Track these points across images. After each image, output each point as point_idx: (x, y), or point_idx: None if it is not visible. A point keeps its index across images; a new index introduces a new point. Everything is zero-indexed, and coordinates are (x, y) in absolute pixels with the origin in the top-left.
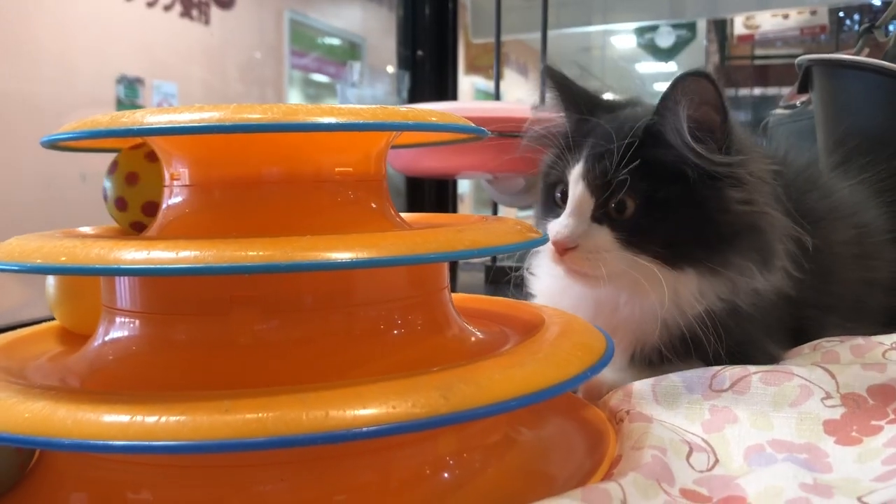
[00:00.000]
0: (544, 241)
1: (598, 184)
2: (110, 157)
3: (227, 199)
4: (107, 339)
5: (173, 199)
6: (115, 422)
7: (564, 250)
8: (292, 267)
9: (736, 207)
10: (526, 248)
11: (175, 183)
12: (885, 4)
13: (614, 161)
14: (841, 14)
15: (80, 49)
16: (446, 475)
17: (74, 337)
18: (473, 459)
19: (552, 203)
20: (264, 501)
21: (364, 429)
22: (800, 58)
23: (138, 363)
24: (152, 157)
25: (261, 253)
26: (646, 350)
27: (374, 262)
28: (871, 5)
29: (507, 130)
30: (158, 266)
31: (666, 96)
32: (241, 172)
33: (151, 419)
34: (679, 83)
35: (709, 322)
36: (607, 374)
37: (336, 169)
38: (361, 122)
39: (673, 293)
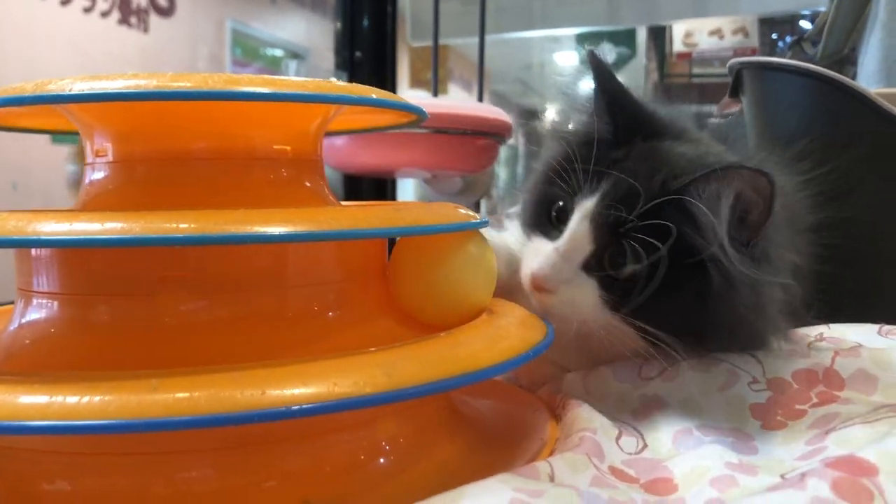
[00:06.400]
0: (485, 223)
1: (606, 234)
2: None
3: (154, 176)
4: (23, 321)
5: (95, 174)
6: (34, 403)
7: (540, 289)
8: (225, 239)
9: (742, 311)
10: (466, 230)
11: (98, 160)
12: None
13: (634, 215)
14: (774, 36)
15: (11, 54)
16: (382, 461)
17: None
18: (411, 446)
19: (545, 218)
20: (190, 488)
21: (304, 406)
22: (731, 61)
23: (58, 347)
24: None
25: (192, 225)
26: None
27: (310, 236)
28: (801, 28)
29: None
30: (82, 237)
31: (708, 179)
32: (170, 147)
33: (73, 399)
34: (731, 174)
35: None
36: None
37: (273, 147)
38: (303, 93)
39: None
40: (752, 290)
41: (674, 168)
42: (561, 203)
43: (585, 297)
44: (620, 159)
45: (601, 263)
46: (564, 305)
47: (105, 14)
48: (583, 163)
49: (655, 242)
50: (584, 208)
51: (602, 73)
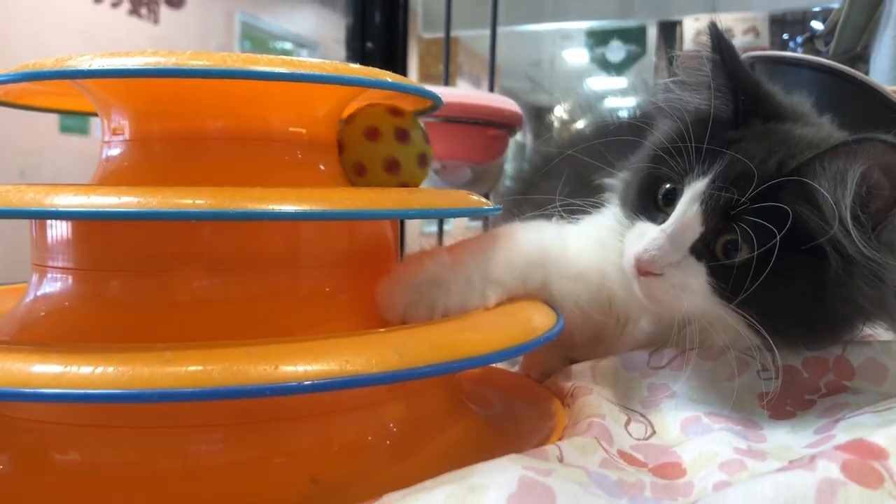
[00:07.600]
0: (498, 209)
1: (717, 217)
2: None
3: (171, 155)
4: (38, 294)
5: (111, 150)
6: (48, 371)
7: (646, 273)
8: (242, 215)
9: (861, 302)
10: (479, 214)
11: (115, 137)
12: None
13: (747, 195)
14: (785, 36)
15: (20, 43)
16: (390, 442)
17: None
18: (419, 428)
19: (650, 201)
20: (200, 462)
21: (317, 382)
22: (743, 55)
23: (72, 320)
24: (393, 111)
25: (209, 200)
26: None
27: (325, 215)
28: (812, 28)
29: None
30: (99, 210)
31: (833, 154)
32: (187, 127)
33: (87, 369)
34: (859, 146)
35: None
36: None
37: (289, 129)
38: (321, 73)
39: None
40: (876, 278)
41: (793, 149)
42: (669, 185)
43: (694, 282)
44: (737, 140)
45: (711, 250)
46: (671, 290)
47: (115, 4)
48: (696, 142)
49: (770, 227)
50: (695, 190)
51: (723, 49)
